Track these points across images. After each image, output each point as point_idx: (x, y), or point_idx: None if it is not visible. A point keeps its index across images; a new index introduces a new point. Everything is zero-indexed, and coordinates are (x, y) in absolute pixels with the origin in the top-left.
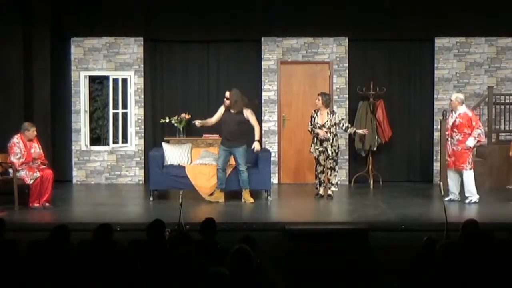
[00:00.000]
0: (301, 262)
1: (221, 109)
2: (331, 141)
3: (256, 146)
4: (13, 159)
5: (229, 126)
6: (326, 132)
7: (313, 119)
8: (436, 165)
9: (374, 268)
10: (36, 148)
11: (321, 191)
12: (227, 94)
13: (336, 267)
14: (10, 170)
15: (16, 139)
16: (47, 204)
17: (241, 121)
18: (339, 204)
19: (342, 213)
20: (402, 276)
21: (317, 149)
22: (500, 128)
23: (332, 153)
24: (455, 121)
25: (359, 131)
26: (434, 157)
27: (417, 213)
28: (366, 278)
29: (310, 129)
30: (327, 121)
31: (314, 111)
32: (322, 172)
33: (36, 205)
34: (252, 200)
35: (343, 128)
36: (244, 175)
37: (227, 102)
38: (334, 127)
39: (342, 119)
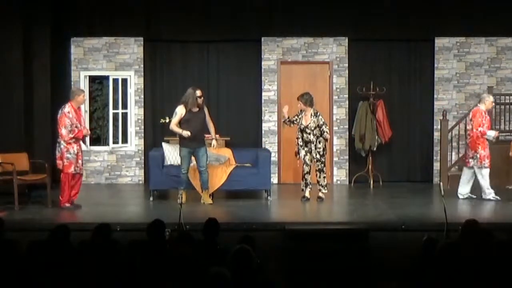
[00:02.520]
0: (301, 262)
1: (180, 110)
2: (314, 143)
3: (215, 144)
4: (63, 131)
5: (195, 125)
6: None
7: (298, 118)
8: (436, 165)
9: (374, 268)
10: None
11: (307, 193)
12: (200, 92)
13: (336, 267)
14: (63, 145)
15: (67, 108)
16: (75, 202)
17: (204, 119)
18: (339, 204)
19: (342, 213)
20: (401, 276)
21: (303, 148)
22: (500, 128)
23: (316, 155)
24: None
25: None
26: (434, 157)
27: (417, 213)
28: (365, 278)
29: (287, 122)
30: (310, 123)
31: (300, 111)
32: (309, 173)
33: (68, 204)
34: (211, 202)
35: (322, 135)
36: (205, 175)
37: (200, 100)
38: (317, 129)
39: (325, 124)
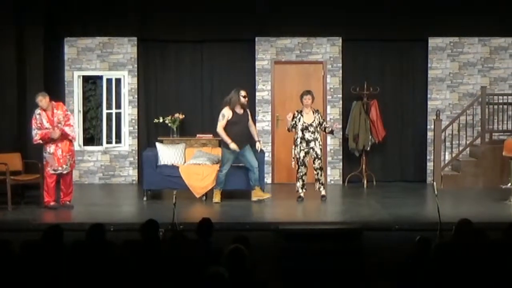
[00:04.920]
0: (294, 262)
1: (227, 112)
2: (318, 139)
3: (260, 146)
4: (32, 132)
5: (242, 127)
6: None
7: (296, 119)
8: (430, 165)
9: (367, 268)
10: (61, 129)
11: (303, 194)
12: (244, 92)
13: (329, 267)
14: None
15: (38, 111)
16: (68, 202)
17: (248, 120)
18: (332, 204)
19: (335, 213)
20: (395, 276)
21: (303, 150)
22: (493, 128)
23: (321, 151)
24: None
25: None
26: (428, 157)
27: (411, 213)
28: (359, 278)
29: (291, 129)
30: (314, 120)
31: (297, 111)
32: (306, 174)
33: (52, 203)
34: (268, 195)
35: (324, 129)
36: (257, 173)
37: (245, 100)
38: (320, 125)
39: (325, 120)
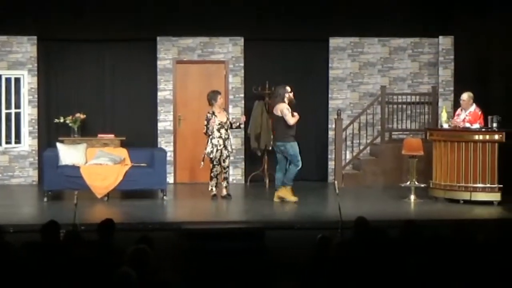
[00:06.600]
0: (197, 262)
1: (287, 106)
2: (230, 138)
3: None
4: None
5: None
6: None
7: (210, 120)
8: (331, 164)
9: (270, 267)
10: None
11: (216, 192)
12: (289, 88)
13: (232, 266)
14: None
15: None
16: None
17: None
18: (235, 203)
19: (238, 212)
20: (297, 275)
21: (220, 149)
22: (393, 127)
23: (231, 150)
24: (464, 118)
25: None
26: (329, 156)
27: (313, 212)
28: (262, 277)
29: (207, 132)
30: (227, 119)
31: (209, 112)
32: (219, 173)
33: None
34: (295, 199)
35: (231, 125)
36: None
37: (292, 95)
38: (229, 124)
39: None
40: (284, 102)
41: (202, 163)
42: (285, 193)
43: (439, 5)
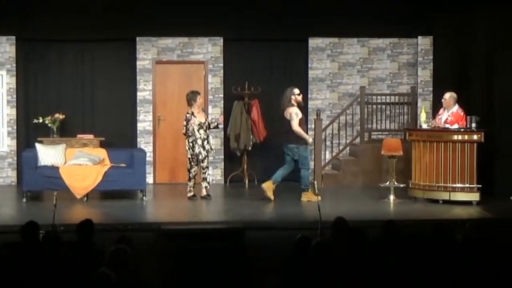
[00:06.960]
0: (177, 262)
1: (298, 110)
2: (210, 138)
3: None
4: None
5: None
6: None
7: (189, 121)
8: (311, 164)
9: (250, 267)
10: None
11: (194, 192)
12: (298, 90)
13: (212, 266)
14: None
15: None
16: None
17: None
18: (215, 203)
19: (218, 213)
20: (277, 275)
21: (199, 149)
22: (372, 127)
23: (209, 150)
24: (447, 118)
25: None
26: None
27: (292, 212)
28: (242, 277)
29: (186, 132)
30: (206, 120)
31: (188, 113)
32: (197, 173)
33: None
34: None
35: (209, 125)
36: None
37: (300, 97)
38: (208, 125)
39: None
40: (293, 105)
41: (189, 164)
42: (309, 196)
43: (418, 5)
